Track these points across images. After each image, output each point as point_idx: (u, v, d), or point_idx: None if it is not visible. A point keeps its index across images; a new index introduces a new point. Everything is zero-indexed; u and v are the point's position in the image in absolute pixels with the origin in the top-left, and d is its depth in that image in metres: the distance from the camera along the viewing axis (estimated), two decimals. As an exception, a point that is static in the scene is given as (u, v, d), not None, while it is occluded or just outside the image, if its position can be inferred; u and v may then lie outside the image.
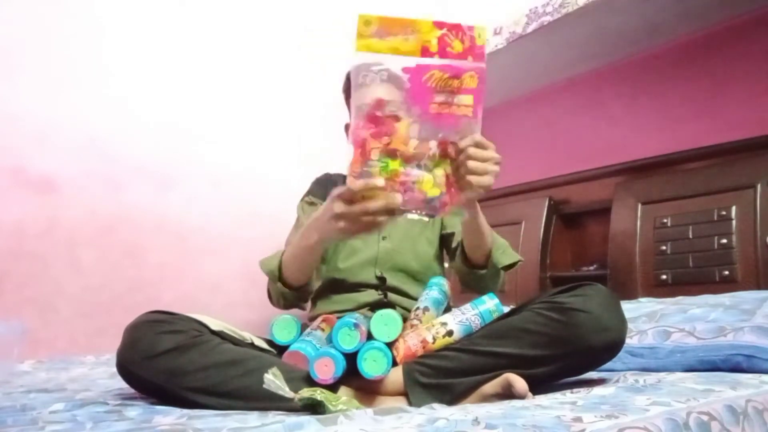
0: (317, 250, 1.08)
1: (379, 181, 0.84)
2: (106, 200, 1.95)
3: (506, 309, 1.03)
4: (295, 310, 1.21)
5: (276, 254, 1.18)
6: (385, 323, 0.95)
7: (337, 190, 0.90)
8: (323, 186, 1.39)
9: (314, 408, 0.79)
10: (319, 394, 0.79)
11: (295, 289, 1.15)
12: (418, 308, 1.09)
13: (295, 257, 1.12)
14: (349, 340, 0.92)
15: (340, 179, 1.38)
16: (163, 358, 0.87)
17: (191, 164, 2.15)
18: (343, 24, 2.65)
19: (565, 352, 0.90)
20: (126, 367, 0.90)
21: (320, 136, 2.34)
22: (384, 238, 1.28)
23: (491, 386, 0.89)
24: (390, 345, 0.96)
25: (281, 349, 1.02)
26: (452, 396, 0.90)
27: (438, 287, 1.16)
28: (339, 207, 0.88)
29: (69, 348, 1.78)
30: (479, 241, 1.12)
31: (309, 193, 1.41)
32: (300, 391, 0.80)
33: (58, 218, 1.85)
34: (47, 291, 1.80)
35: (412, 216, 1.30)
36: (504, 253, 1.20)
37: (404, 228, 1.30)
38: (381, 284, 1.24)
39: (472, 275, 1.19)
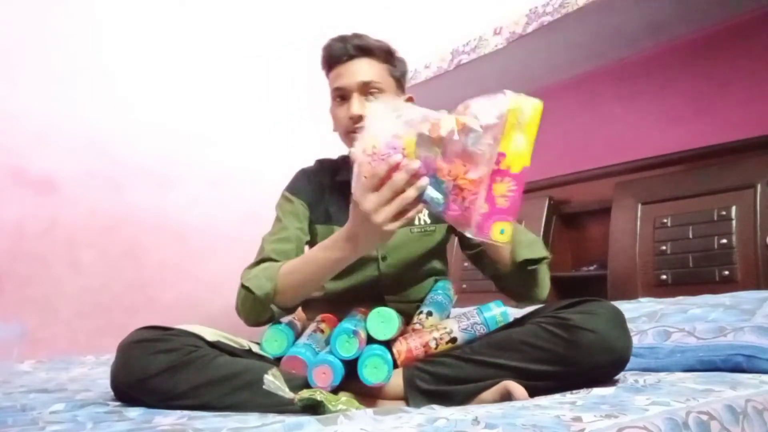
0: (345, 264, 0.96)
1: (397, 157, 0.79)
2: (106, 200, 1.95)
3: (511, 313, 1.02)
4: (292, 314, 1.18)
5: (265, 271, 1.03)
6: (382, 320, 0.95)
7: (358, 189, 0.83)
8: (306, 180, 1.24)
9: (314, 408, 0.79)
10: (319, 395, 0.79)
11: (286, 309, 1.05)
12: (421, 312, 1.08)
13: (306, 277, 0.99)
14: (347, 347, 0.91)
15: (319, 170, 1.26)
16: (156, 379, 0.85)
17: (191, 164, 2.15)
18: (342, 25, 2.65)
19: (568, 370, 0.89)
20: (120, 389, 0.89)
21: (319, 137, 2.34)
22: (384, 258, 1.16)
23: (490, 393, 0.89)
24: (391, 347, 0.95)
25: (278, 357, 1.01)
26: (452, 403, 0.90)
27: (443, 291, 1.14)
28: (370, 200, 0.82)
29: (69, 348, 1.78)
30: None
31: (288, 189, 1.24)
32: (300, 392, 0.80)
33: (58, 218, 1.85)
34: (47, 291, 1.80)
35: (415, 229, 1.18)
36: (529, 246, 1.03)
37: (404, 243, 1.16)
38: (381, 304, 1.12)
39: (500, 276, 1.07)
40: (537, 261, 1.03)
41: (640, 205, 1.97)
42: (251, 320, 1.05)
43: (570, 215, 2.32)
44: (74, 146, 1.90)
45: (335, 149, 1.28)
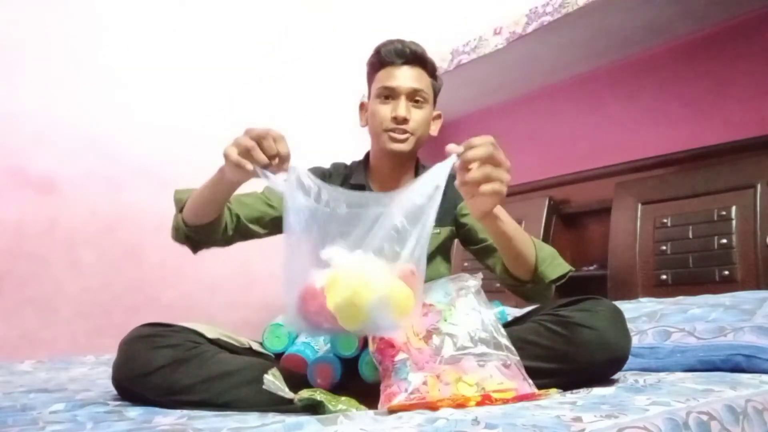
0: (218, 185, 1.09)
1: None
2: (106, 200, 1.95)
3: (507, 310, 1.03)
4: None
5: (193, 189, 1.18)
6: None
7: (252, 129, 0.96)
8: (318, 174, 1.23)
9: (314, 408, 0.79)
10: (319, 395, 0.79)
11: (190, 226, 1.15)
12: None
13: (198, 194, 1.13)
14: (347, 346, 0.91)
15: (333, 172, 1.29)
16: (158, 374, 0.86)
17: (191, 164, 2.15)
18: (342, 28, 2.66)
19: (567, 367, 0.89)
20: (122, 384, 0.90)
21: (320, 137, 2.35)
22: None
23: None
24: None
25: (279, 353, 1.01)
26: None
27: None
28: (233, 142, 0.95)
29: (69, 348, 1.78)
30: (514, 252, 0.99)
31: None
32: (300, 392, 0.80)
33: (58, 218, 1.85)
34: (47, 291, 1.80)
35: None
36: (551, 264, 1.04)
37: None
38: None
39: (519, 289, 1.08)
40: (564, 276, 1.06)
41: (640, 205, 1.97)
42: (173, 234, 1.20)
43: (570, 215, 2.32)
44: (74, 146, 1.90)
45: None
